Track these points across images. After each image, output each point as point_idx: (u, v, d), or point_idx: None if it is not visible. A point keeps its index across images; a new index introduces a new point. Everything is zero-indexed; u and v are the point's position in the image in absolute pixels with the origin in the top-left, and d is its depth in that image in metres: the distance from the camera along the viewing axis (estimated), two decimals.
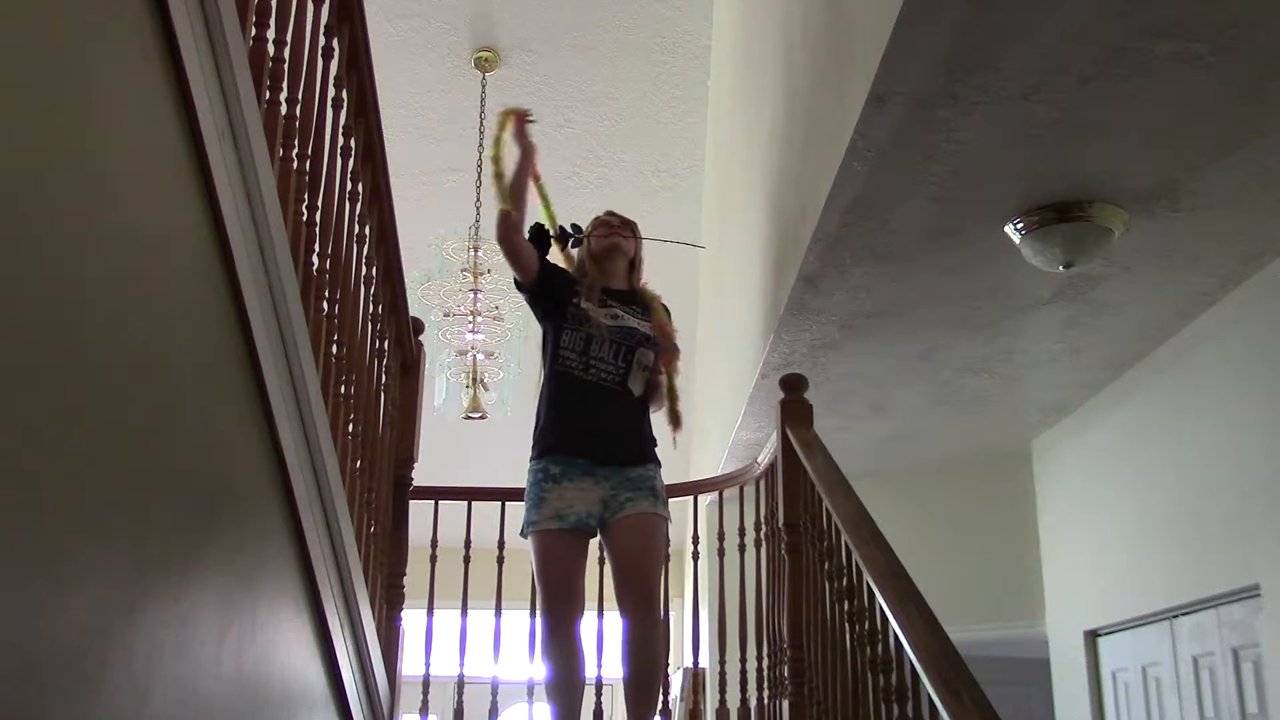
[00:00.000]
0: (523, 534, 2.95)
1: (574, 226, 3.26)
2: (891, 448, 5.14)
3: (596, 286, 3.05)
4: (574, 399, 2.96)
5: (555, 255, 3.26)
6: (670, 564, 3.89)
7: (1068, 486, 4.96)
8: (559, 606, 2.84)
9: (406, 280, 3.43)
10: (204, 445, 1.77)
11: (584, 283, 3.08)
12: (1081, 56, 2.28)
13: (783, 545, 3.35)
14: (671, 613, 3.84)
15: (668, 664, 3.70)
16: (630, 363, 2.98)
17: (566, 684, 2.85)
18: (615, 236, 3.15)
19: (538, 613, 2.97)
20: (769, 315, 3.90)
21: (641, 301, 3.13)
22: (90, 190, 1.35)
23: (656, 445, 3.07)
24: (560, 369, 2.98)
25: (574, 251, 3.27)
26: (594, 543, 2.99)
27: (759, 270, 4.16)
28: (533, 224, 3.22)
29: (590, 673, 3.55)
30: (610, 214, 3.24)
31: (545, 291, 3.06)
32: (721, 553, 3.83)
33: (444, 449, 5.70)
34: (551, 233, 3.24)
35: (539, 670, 2.94)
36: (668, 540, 3.04)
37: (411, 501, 3.51)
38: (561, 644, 2.83)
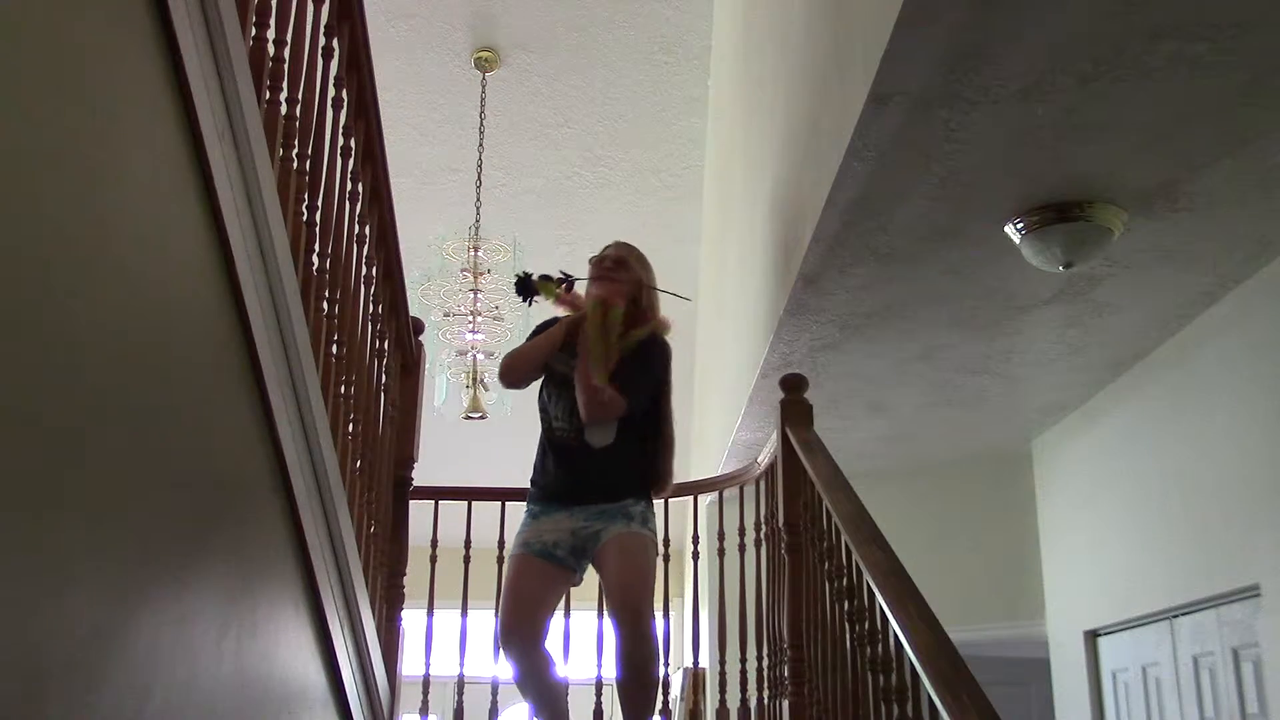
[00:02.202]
0: None
1: (563, 275, 3.10)
2: (891, 448, 5.14)
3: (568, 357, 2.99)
4: (547, 454, 3.04)
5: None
6: (670, 564, 3.89)
7: (1068, 486, 4.96)
8: (508, 621, 2.89)
9: (406, 280, 3.43)
10: (204, 445, 1.77)
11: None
12: (1081, 56, 2.28)
13: (783, 545, 3.35)
14: (671, 613, 3.84)
15: (666, 667, 3.70)
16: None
17: (528, 683, 2.90)
18: (606, 285, 3.00)
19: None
20: (769, 315, 3.90)
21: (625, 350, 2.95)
22: (90, 190, 1.35)
23: (643, 480, 3.00)
24: (542, 421, 3.08)
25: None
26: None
27: (759, 270, 4.16)
28: (518, 275, 3.15)
29: (590, 673, 3.58)
30: (606, 250, 3.09)
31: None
32: (721, 553, 3.83)
33: (444, 449, 5.71)
34: (544, 284, 3.08)
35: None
36: (656, 554, 3.00)
37: (411, 501, 3.52)
38: (512, 651, 2.87)
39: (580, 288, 3.10)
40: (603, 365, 2.85)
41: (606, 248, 3.12)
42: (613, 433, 2.94)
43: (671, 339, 3.10)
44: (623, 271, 3.03)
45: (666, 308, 3.15)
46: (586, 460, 2.95)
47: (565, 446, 2.98)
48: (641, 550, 2.89)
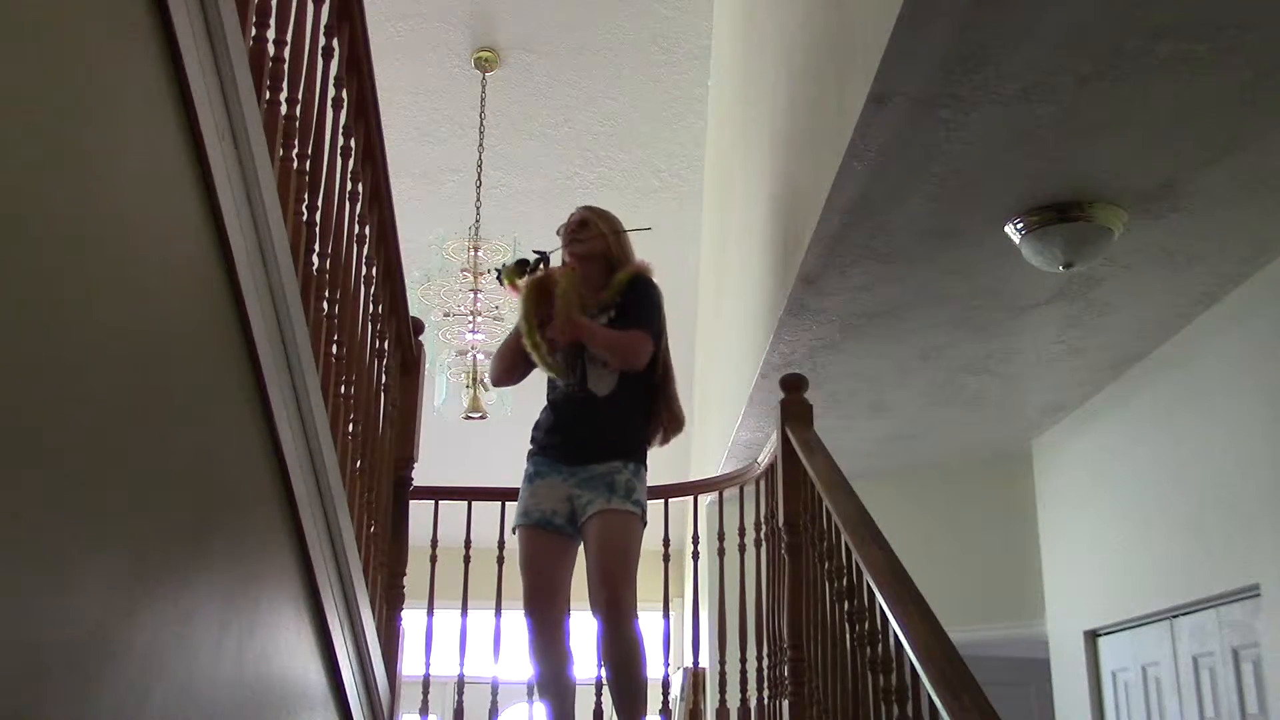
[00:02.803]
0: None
1: (537, 254, 3.10)
2: (891, 448, 5.14)
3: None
4: (550, 407, 3.07)
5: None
6: (670, 564, 3.89)
7: (1068, 486, 4.96)
8: (531, 602, 2.89)
9: (406, 280, 3.43)
10: (204, 445, 1.77)
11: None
12: (1081, 56, 2.28)
13: (783, 545, 3.35)
14: (671, 613, 3.84)
15: (666, 666, 3.70)
16: (585, 368, 2.97)
17: (552, 683, 2.90)
18: (572, 246, 3.05)
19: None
20: (769, 315, 3.90)
21: (606, 299, 3.02)
22: (90, 190, 1.35)
23: (639, 441, 3.02)
24: (547, 383, 3.10)
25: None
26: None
27: (759, 270, 4.16)
28: (496, 270, 3.20)
29: (590, 673, 3.57)
30: (572, 215, 3.13)
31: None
32: (721, 553, 3.82)
33: (444, 449, 5.71)
34: (508, 271, 3.10)
35: (530, 669, 2.97)
36: (642, 526, 2.98)
37: (411, 501, 3.52)
38: (542, 643, 2.88)
39: (557, 259, 3.13)
40: (534, 334, 2.92)
41: (571, 215, 3.15)
42: (615, 380, 2.96)
43: (671, 337, 3.10)
44: (585, 231, 3.07)
45: (660, 263, 3.16)
46: (589, 411, 2.96)
47: (569, 400, 2.99)
48: (623, 529, 2.87)
